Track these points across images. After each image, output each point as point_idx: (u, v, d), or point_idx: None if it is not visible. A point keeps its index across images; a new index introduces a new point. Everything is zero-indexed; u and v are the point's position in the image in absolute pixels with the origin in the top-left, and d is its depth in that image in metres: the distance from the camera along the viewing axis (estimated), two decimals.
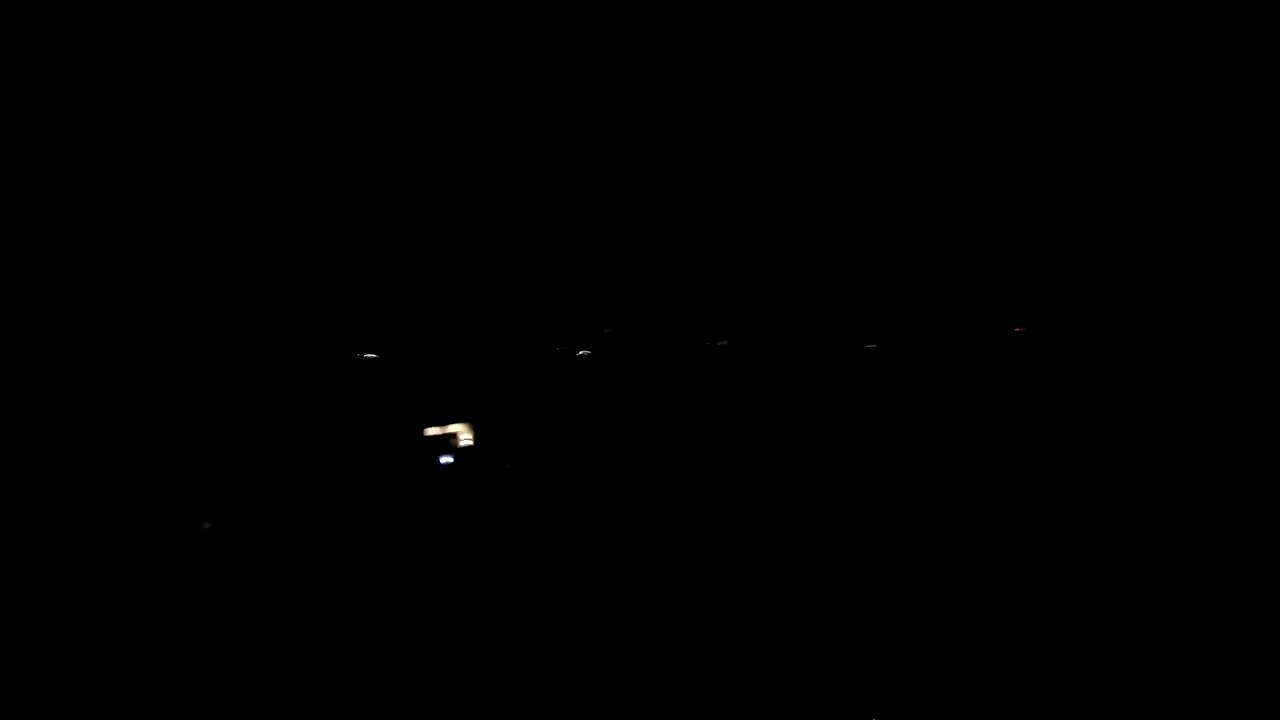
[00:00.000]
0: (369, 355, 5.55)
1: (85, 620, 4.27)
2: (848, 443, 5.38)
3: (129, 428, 5.23)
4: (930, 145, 5.35)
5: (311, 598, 4.55)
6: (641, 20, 5.30)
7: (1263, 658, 3.38)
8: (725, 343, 5.52)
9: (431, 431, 5.49)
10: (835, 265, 5.53)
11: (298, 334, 5.66)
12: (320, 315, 5.67)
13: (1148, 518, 4.53)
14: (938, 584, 4.27)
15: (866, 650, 3.75)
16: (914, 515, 4.88)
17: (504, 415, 5.65)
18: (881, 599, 4.18)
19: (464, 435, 5.50)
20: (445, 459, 5.39)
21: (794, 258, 5.55)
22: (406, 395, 5.65)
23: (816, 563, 4.55)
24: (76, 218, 5.22)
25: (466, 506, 5.32)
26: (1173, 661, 3.42)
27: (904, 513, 4.92)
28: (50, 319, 5.20)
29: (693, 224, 5.57)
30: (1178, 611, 3.74)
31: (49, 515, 4.90)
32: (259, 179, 5.59)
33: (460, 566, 4.89)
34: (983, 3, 5.00)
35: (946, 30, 5.17)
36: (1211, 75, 4.97)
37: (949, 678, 3.48)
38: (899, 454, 5.32)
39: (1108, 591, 4.02)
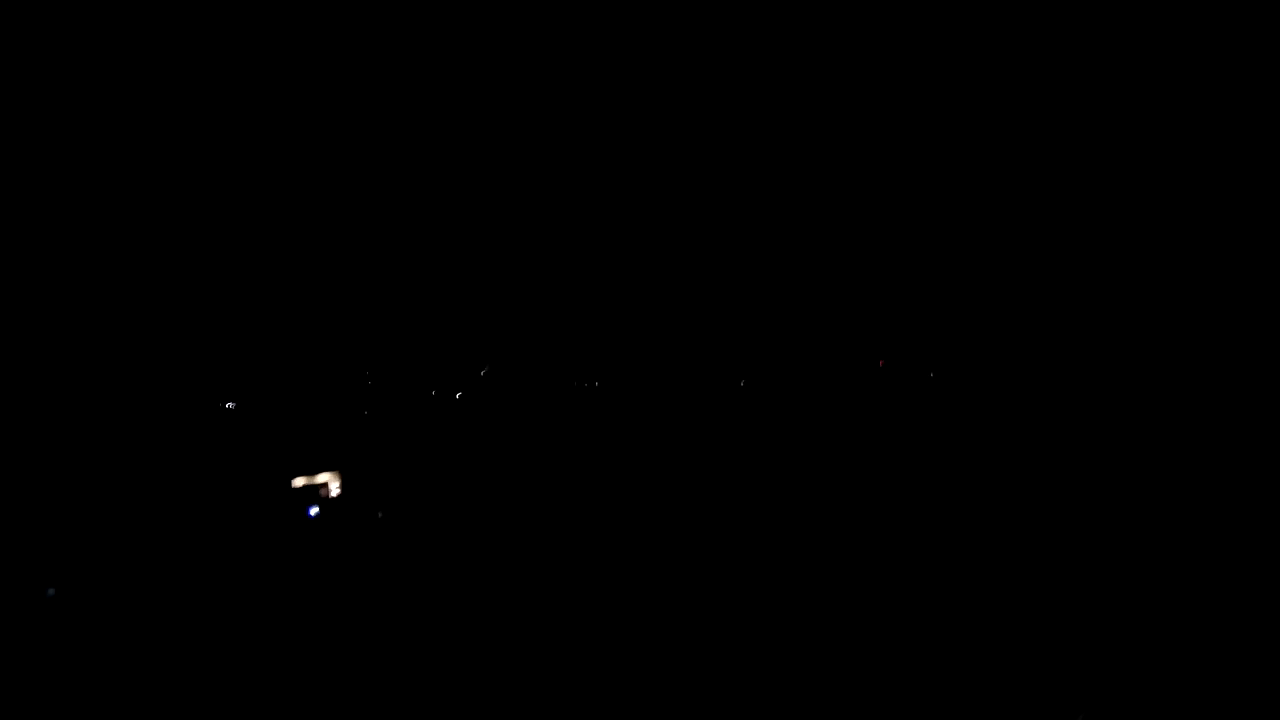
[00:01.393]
0: (228, 404, 5.32)
1: None
2: (724, 483, 5.46)
3: None
4: (790, 181, 5.50)
5: (172, 666, 4.30)
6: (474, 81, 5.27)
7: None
8: (598, 384, 5.54)
9: (299, 482, 5.30)
10: (706, 305, 5.62)
11: (151, 380, 5.38)
12: (175, 360, 5.40)
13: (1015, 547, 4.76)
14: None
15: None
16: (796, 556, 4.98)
17: (377, 462, 5.50)
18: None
19: (333, 484, 5.33)
20: (313, 510, 5.21)
21: (664, 297, 5.61)
22: (271, 444, 5.44)
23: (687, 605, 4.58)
24: None
25: (337, 559, 5.15)
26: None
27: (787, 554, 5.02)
28: None
29: (569, 263, 5.57)
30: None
31: None
32: (108, 209, 5.29)
33: (334, 621, 4.72)
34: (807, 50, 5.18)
35: (790, 85, 5.33)
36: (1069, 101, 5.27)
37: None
38: (777, 491, 5.43)
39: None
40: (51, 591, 4.72)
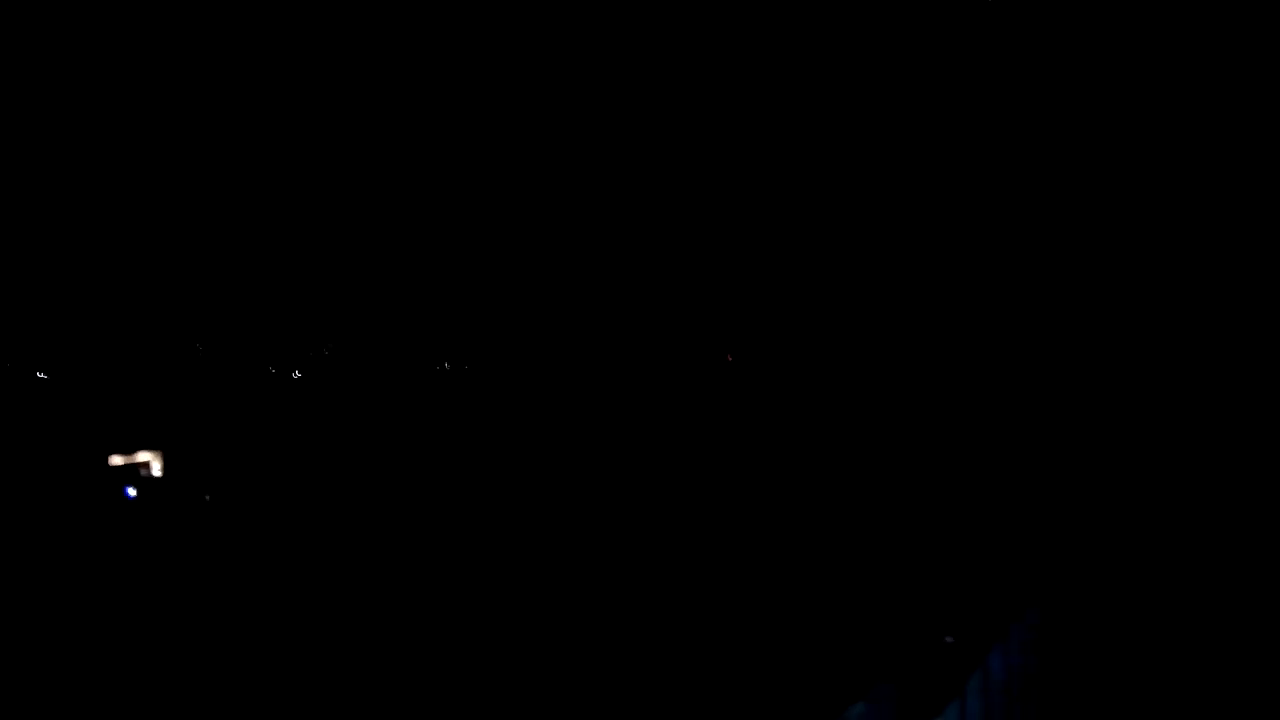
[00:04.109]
0: (40, 375, 5.00)
1: None
2: (573, 468, 5.39)
3: None
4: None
5: None
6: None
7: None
8: (447, 366, 5.38)
9: (117, 461, 5.02)
10: (553, 298, 5.50)
11: None
12: None
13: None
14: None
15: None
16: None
17: (205, 441, 5.25)
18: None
19: (154, 463, 5.07)
20: (131, 491, 4.95)
21: (507, 289, 5.48)
22: (89, 419, 5.15)
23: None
24: None
25: (158, 544, 4.91)
26: None
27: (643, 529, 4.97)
28: None
29: (407, 250, 5.38)
30: None
31: None
32: None
33: (156, 609, 4.51)
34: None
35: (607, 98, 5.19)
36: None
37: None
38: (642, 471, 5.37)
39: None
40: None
